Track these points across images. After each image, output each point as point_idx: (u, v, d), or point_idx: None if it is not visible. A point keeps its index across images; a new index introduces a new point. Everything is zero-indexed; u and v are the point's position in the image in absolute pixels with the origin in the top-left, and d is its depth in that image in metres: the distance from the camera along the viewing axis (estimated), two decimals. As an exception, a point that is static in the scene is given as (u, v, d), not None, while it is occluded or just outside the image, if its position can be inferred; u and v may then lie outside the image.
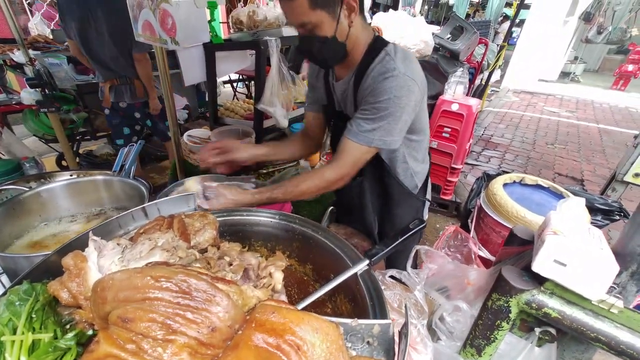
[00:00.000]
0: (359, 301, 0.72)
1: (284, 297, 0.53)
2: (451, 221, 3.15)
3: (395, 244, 0.80)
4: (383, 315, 0.63)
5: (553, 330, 0.79)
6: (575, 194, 1.55)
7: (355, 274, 0.74)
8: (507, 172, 1.95)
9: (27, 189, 0.94)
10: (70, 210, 1.02)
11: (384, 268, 1.21)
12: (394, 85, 0.93)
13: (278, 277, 0.54)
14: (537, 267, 0.74)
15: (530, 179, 1.58)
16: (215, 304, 0.42)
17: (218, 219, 0.92)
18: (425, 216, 1.45)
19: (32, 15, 4.77)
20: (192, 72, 1.67)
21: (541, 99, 8.05)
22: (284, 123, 1.63)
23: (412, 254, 1.13)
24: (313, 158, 1.85)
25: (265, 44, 1.46)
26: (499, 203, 1.43)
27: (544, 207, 1.46)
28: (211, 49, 1.65)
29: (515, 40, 8.76)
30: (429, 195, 1.41)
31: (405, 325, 0.56)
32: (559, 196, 1.52)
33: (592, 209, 1.59)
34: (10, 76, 4.38)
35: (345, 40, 0.97)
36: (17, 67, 3.22)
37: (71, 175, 1.38)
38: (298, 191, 1.05)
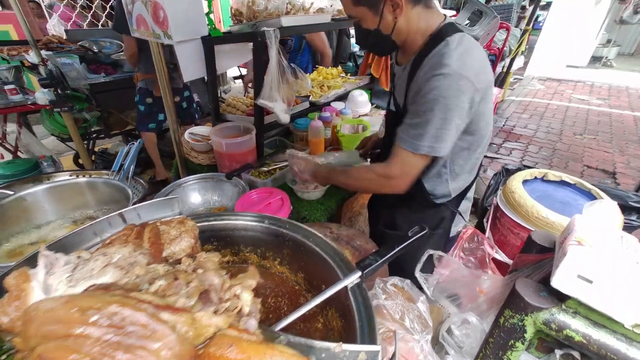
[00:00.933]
0: (349, 319, 0.65)
1: (252, 323, 0.46)
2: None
3: (391, 253, 0.71)
4: (372, 339, 0.55)
5: (577, 354, 0.68)
6: (605, 190, 1.39)
7: (346, 287, 0.66)
8: (529, 167, 1.80)
9: (11, 193, 0.92)
10: (56, 214, 1.00)
11: (386, 274, 1.13)
12: (442, 85, 0.86)
13: (246, 298, 0.48)
14: (557, 282, 0.64)
15: (553, 174, 1.43)
16: (155, 340, 0.35)
17: (204, 223, 0.86)
18: (458, 227, 1.37)
19: (50, 17, 4.88)
20: (191, 67, 1.61)
21: (569, 86, 7.56)
22: (285, 119, 1.55)
23: (424, 259, 1.04)
24: (319, 150, 1.76)
25: (262, 35, 1.38)
26: (518, 202, 1.30)
27: (569, 207, 1.32)
28: (209, 43, 1.59)
29: (541, 24, 8.25)
30: (466, 212, 1.33)
31: (394, 357, 0.48)
32: (587, 194, 1.37)
33: (626, 208, 1.43)
34: (32, 78, 4.53)
35: (390, 33, 0.97)
36: (33, 68, 3.30)
37: (70, 176, 1.37)
38: (352, 178, 1.15)
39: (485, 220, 1.55)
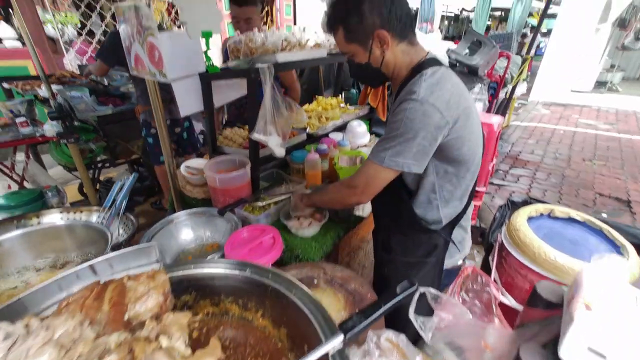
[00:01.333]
0: (330, 391, 0.57)
1: (204, 413, 0.40)
2: (475, 249, 2.88)
3: (378, 314, 0.64)
4: None
5: None
6: (617, 228, 1.30)
7: (327, 354, 0.59)
8: (536, 200, 1.72)
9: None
10: (34, 259, 0.95)
11: (381, 325, 1.04)
12: (409, 108, 0.96)
13: (199, 383, 0.42)
14: (565, 354, 0.56)
15: (560, 211, 1.35)
16: None
17: (182, 272, 0.81)
18: (455, 259, 1.38)
19: (67, 52, 5.15)
20: (188, 102, 1.63)
21: (575, 110, 7.53)
22: (280, 152, 1.53)
23: (415, 298, 0.97)
24: (316, 183, 1.73)
25: (255, 71, 1.39)
26: (523, 241, 1.22)
27: (579, 247, 1.23)
28: (206, 79, 1.62)
29: (542, 50, 8.39)
30: (462, 242, 1.34)
31: None
32: (598, 232, 1.28)
33: (642, 247, 1.33)
34: (45, 111, 4.70)
35: (379, 66, 1.09)
36: (45, 102, 3.43)
37: (61, 212, 1.35)
38: (327, 192, 1.29)
39: (490, 257, 1.46)
